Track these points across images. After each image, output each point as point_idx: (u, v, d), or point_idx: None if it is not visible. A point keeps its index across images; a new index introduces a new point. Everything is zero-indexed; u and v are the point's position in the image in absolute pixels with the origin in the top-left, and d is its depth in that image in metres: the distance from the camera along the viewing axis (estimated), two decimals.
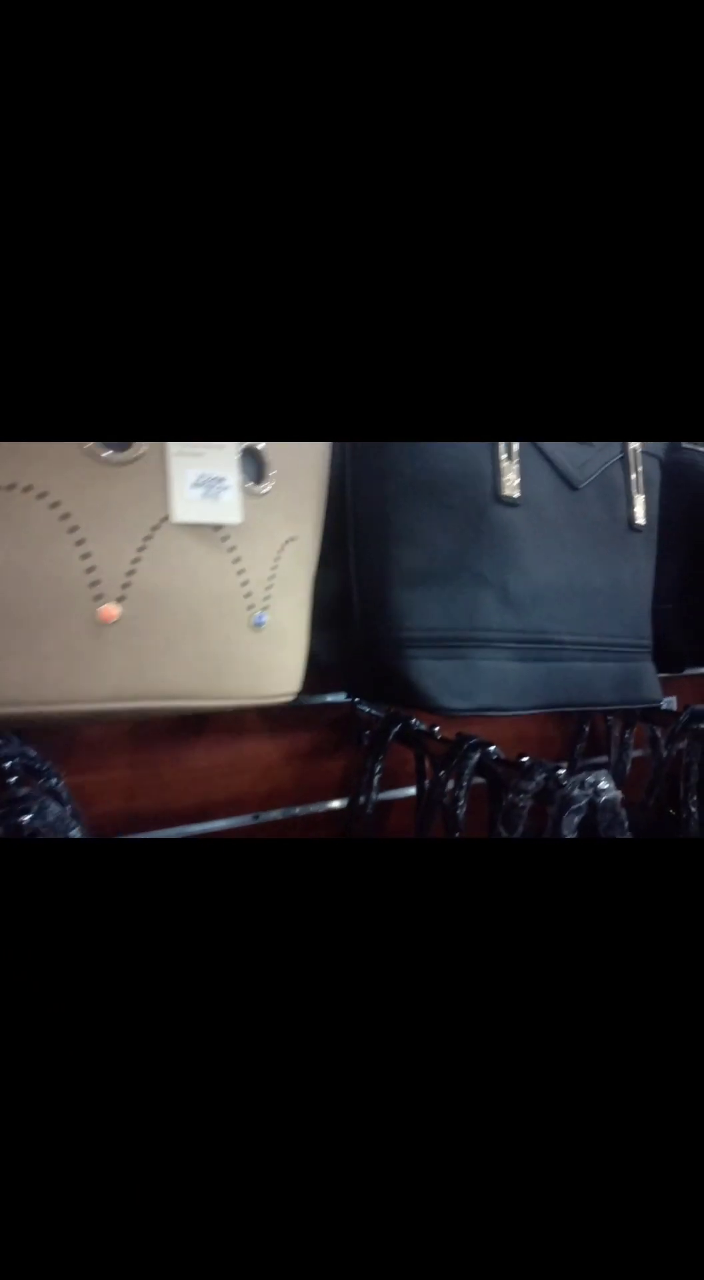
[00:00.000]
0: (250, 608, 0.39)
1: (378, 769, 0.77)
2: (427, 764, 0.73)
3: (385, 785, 0.85)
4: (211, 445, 0.37)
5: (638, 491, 0.65)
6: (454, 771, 0.66)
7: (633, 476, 0.64)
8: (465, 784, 0.65)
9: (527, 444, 0.57)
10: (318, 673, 0.62)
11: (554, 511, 0.59)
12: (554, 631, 0.58)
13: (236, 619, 0.38)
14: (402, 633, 0.52)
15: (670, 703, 1.33)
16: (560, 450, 0.59)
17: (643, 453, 0.67)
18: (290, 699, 0.43)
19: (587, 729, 1.09)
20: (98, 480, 0.34)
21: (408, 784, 0.83)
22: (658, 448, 0.71)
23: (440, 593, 0.53)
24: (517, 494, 0.55)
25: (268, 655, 0.40)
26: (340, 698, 0.78)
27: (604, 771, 0.64)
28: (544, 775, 0.60)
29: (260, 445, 0.40)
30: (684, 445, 0.89)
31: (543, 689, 0.58)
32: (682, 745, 1.07)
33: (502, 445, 0.55)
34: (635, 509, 0.64)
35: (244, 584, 0.39)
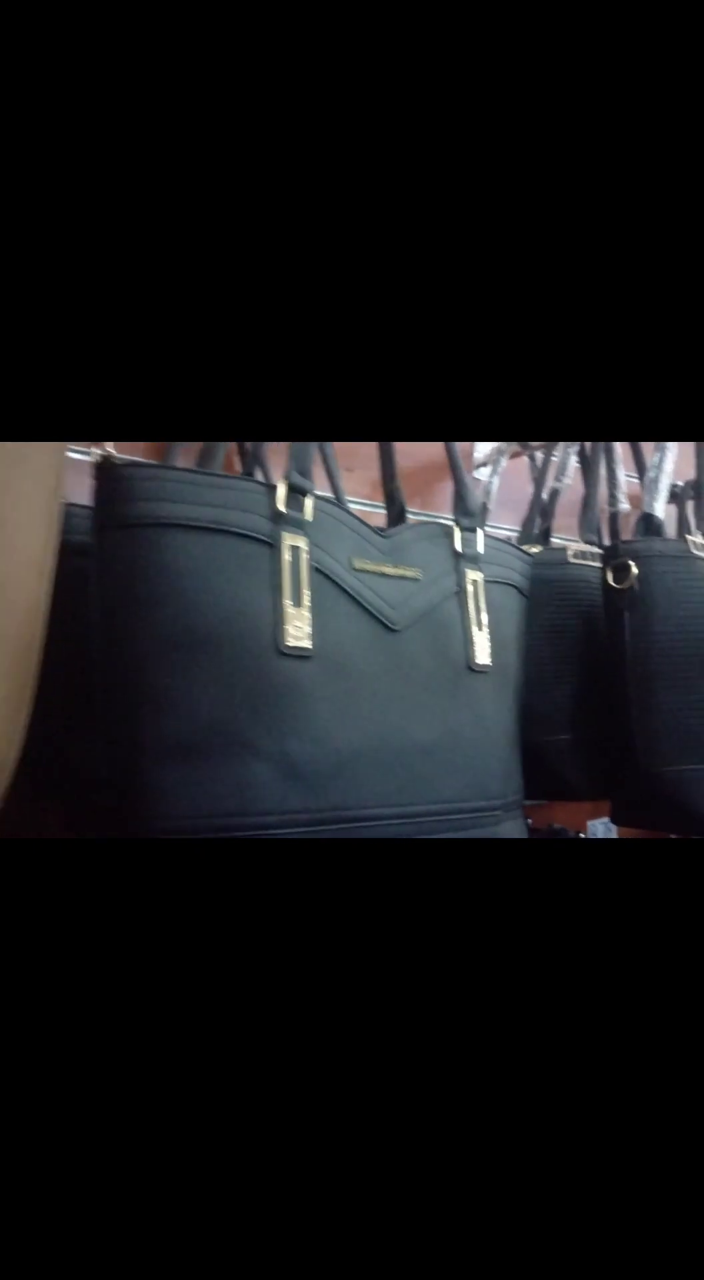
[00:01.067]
0: None
1: None
2: None
3: None
4: None
5: (478, 627, 0.56)
6: None
7: (471, 611, 0.56)
8: None
9: (328, 584, 0.49)
10: None
11: (364, 660, 0.50)
12: (360, 806, 0.48)
13: None
14: (156, 821, 0.42)
15: (609, 827, 1.22)
16: (371, 589, 0.51)
17: (488, 582, 0.58)
18: None
19: None
20: None
21: None
22: (515, 574, 0.63)
23: (203, 769, 0.43)
24: (307, 644, 0.47)
25: None
26: None
27: None
28: None
29: None
30: (571, 560, 0.81)
31: None
32: None
33: (287, 589, 0.46)
34: (474, 648, 0.55)
35: None
